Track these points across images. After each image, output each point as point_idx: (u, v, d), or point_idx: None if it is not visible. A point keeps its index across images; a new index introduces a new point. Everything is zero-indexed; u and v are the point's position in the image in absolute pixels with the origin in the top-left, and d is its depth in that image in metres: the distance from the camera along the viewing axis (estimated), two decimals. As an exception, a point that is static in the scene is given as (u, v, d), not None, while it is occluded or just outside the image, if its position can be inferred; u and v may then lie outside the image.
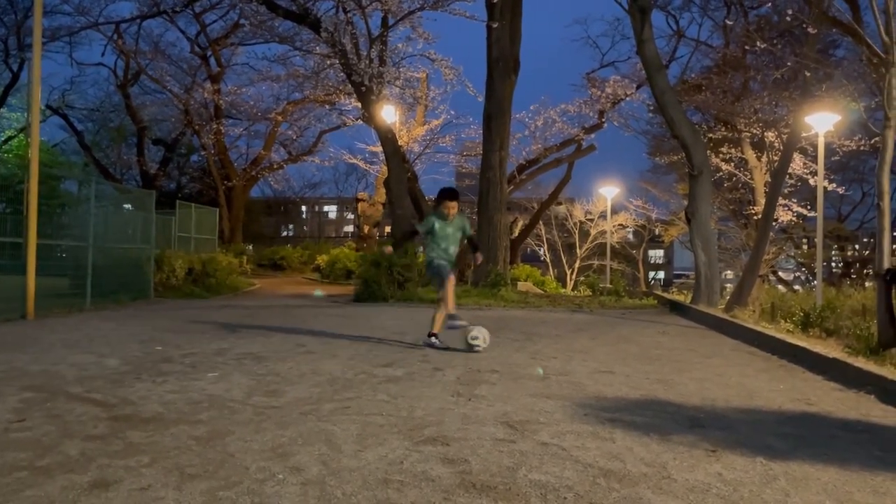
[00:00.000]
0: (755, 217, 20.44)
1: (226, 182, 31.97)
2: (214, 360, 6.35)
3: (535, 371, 5.98)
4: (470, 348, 6.98)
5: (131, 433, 3.80)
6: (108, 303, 12.52)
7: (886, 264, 7.08)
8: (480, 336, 7.01)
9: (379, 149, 22.00)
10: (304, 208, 61.94)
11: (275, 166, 34.31)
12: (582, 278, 29.16)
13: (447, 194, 7.37)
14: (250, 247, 37.00)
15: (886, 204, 7.47)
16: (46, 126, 33.86)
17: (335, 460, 3.37)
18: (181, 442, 3.64)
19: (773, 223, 17.38)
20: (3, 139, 31.93)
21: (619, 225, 36.18)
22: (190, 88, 30.43)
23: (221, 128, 30.87)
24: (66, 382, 5.20)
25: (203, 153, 33.37)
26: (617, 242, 36.58)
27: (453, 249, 7.51)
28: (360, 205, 31.64)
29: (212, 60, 31.23)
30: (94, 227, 12.54)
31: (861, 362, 5.95)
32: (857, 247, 37.66)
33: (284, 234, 60.33)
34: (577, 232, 36.17)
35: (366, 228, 31.18)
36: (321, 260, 29.04)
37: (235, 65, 32.26)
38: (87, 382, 5.20)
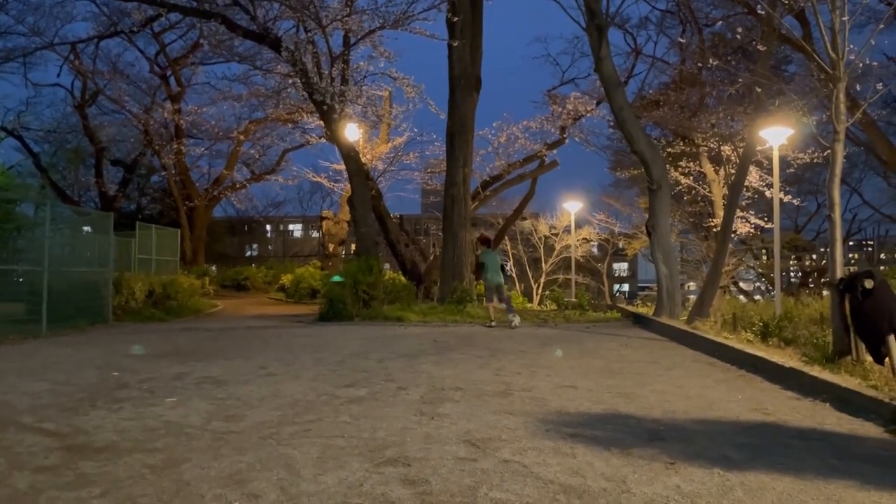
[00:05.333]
0: (715, 229, 20.81)
1: (187, 202, 31.51)
2: (173, 385, 6.23)
3: (500, 385, 5.98)
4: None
5: (83, 463, 3.70)
6: (65, 328, 12.21)
7: (839, 274, 7.23)
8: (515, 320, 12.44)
9: (343, 167, 21.90)
10: (268, 227, 61.36)
11: (237, 186, 33.92)
12: (548, 292, 29.31)
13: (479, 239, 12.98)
14: (213, 267, 36.47)
15: (838, 215, 7.64)
16: (1, 148, 33.04)
17: (294, 485, 3.32)
18: (135, 471, 3.56)
19: (732, 235, 17.70)
20: (-44, 163, 31.09)
21: (583, 239, 36.49)
22: (149, 108, 30.01)
23: (182, 148, 30.45)
24: (17, 412, 5.05)
25: (164, 174, 32.87)
26: (581, 256, 36.83)
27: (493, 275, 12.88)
28: (324, 223, 31.46)
29: (172, 80, 30.84)
30: (50, 251, 12.25)
31: (817, 371, 6.07)
32: (814, 256, 38.54)
33: (248, 253, 59.61)
34: (542, 246, 36.39)
35: (331, 247, 31.00)
36: (286, 279, 28.76)
37: (196, 84, 31.89)
38: (39, 412, 5.06)
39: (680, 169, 22.21)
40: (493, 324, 12.73)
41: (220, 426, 4.56)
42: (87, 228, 16.23)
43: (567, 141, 24.85)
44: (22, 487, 3.32)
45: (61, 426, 4.59)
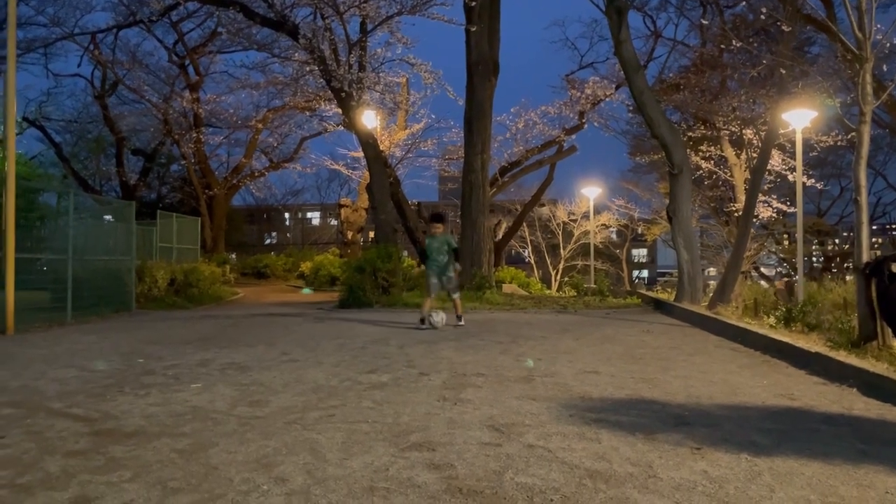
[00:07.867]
0: (736, 214, 20.62)
1: (207, 191, 31.75)
2: (198, 371, 6.29)
3: (523, 370, 5.98)
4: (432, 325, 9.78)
5: (113, 448, 3.75)
6: (90, 316, 12.38)
7: (865, 258, 7.13)
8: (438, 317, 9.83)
9: (361, 154, 21.92)
10: (286, 215, 61.67)
11: (256, 174, 34.10)
12: (566, 279, 29.25)
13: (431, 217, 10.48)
14: (233, 255, 36.79)
15: (864, 198, 7.53)
16: (24, 138, 33.51)
17: (320, 469, 3.35)
18: (164, 455, 3.60)
19: (754, 220, 17.52)
20: (-21, 153, 31.49)
21: (602, 225, 36.36)
22: (168, 97, 30.21)
23: (201, 136, 30.65)
24: (46, 398, 5.13)
25: (183, 162, 33.13)
26: (600, 242, 36.71)
27: (442, 259, 10.13)
28: (342, 210, 31.55)
29: (190, 69, 31.04)
30: (74, 240, 12.39)
31: (843, 356, 6.01)
32: (837, 241, 38.10)
33: (267, 241, 60.02)
34: (560, 233, 36.31)
35: (349, 234, 31.10)
36: (305, 267, 28.91)
37: (214, 73, 32.12)
38: (67, 397, 5.13)
39: (701, 153, 22.01)
40: (430, 320, 9.83)
41: (245, 411, 4.60)
42: (108, 217, 16.40)
43: (586, 126, 24.73)
44: (54, 471, 3.37)
45: (90, 411, 4.65)
